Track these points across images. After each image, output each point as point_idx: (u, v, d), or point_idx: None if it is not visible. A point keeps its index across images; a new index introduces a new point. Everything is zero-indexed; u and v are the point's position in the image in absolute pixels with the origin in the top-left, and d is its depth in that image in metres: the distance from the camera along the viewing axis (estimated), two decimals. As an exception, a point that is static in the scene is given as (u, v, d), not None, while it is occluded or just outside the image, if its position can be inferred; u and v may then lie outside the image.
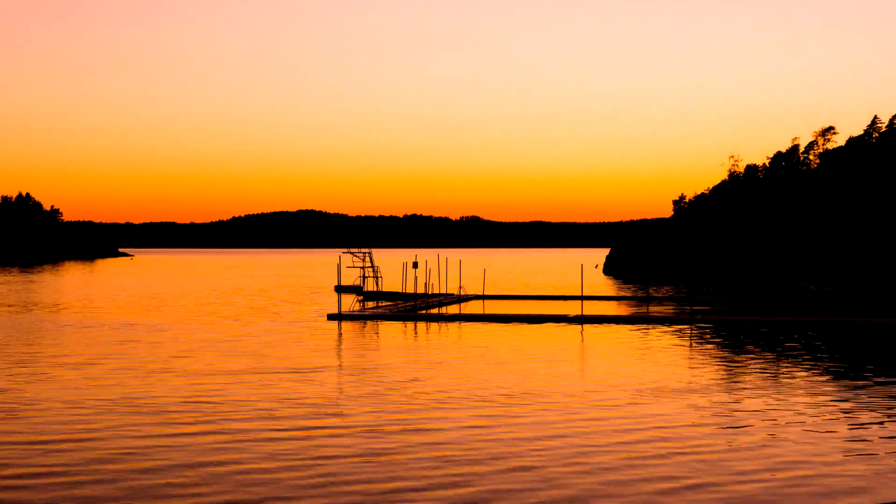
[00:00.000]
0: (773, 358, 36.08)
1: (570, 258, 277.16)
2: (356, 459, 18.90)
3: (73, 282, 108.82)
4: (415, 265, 79.69)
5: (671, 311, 62.17)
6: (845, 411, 24.34)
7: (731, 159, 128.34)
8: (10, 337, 44.57)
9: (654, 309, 64.20)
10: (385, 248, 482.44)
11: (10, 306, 62.81)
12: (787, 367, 33.43)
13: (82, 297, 75.59)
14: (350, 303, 70.41)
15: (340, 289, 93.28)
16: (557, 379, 30.35)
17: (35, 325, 50.94)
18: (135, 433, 21.48)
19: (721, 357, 36.60)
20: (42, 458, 18.92)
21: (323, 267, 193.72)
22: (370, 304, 69.89)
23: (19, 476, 17.53)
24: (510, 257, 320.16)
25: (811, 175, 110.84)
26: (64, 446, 20.06)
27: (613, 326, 49.99)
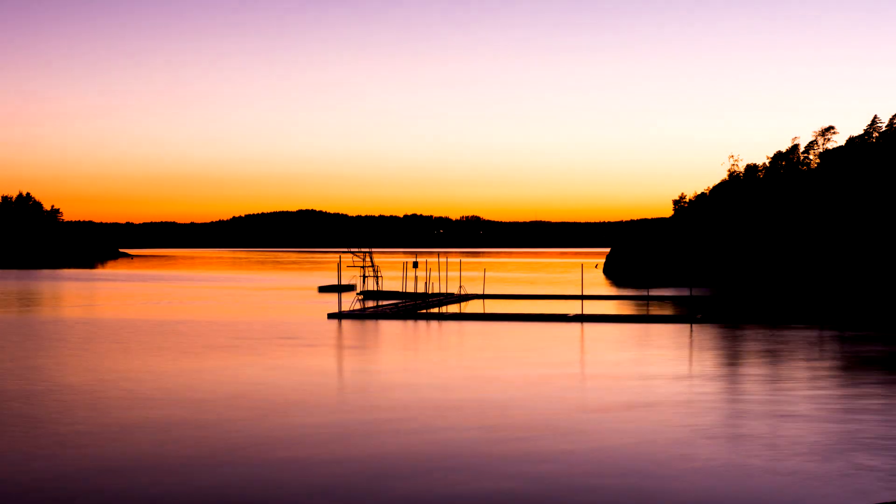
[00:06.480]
0: (772, 357, 36.10)
1: (570, 258, 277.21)
2: (354, 458, 18.94)
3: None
4: (415, 265, 79.85)
5: (672, 311, 62.22)
6: (844, 409, 24.39)
7: (731, 159, 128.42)
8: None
9: (655, 310, 64.21)
10: (385, 248, 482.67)
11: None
12: (786, 366, 33.47)
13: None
14: (350, 302, 70.42)
15: (324, 289, 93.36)
16: (554, 379, 30.37)
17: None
18: (136, 424, 21.56)
19: (721, 356, 36.63)
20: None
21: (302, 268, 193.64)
22: (370, 304, 69.90)
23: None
24: (510, 257, 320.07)
25: (811, 175, 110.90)
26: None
27: (613, 325, 50.04)
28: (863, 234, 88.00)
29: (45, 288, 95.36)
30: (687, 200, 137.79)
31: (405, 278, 77.28)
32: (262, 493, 16.17)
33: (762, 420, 22.76)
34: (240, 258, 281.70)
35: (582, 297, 74.59)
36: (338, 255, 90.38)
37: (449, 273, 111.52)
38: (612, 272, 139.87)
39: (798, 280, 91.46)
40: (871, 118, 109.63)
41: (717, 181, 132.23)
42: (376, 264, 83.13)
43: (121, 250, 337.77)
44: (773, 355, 36.48)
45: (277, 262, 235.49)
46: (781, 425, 22.09)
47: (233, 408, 24.59)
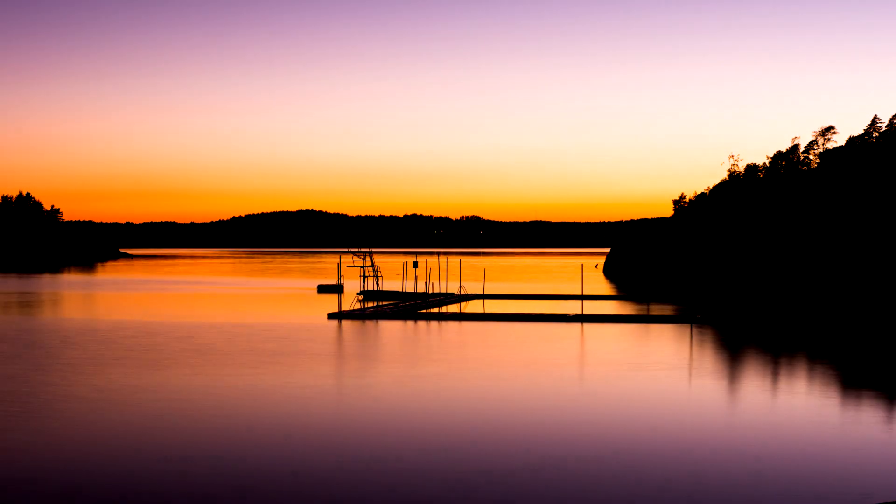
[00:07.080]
0: (771, 356, 36.10)
1: (571, 258, 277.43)
2: (353, 457, 18.95)
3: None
4: (415, 265, 79.93)
5: (671, 310, 62.23)
6: (842, 409, 24.39)
7: (731, 159, 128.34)
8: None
9: (655, 309, 64.22)
10: (385, 248, 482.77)
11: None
12: (785, 365, 33.47)
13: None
14: (351, 302, 70.44)
15: (323, 288, 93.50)
16: (553, 379, 30.37)
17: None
18: (139, 417, 21.59)
19: (720, 355, 36.61)
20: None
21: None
22: (370, 304, 69.91)
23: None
24: (510, 257, 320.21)
25: (811, 175, 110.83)
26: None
27: (613, 325, 50.04)
28: (863, 234, 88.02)
29: (47, 292, 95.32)
30: (687, 200, 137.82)
31: (405, 278, 77.33)
32: (259, 493, 16.17)
33: (759, 422, 22.76)
34: (239, 258, 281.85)
35: (582, 298, 74.61)
36: (338, 256, 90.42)
37: (449, 273, 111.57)
38: (613, 272, 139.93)
39: (797, 280, 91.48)
40: (871, 118, 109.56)
41: (717, 181, 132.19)
42: (376, 264, 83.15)
43: (121, 250, 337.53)
44: (771, 360, 36.47)
45: (277, 262, 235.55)
46: (780, 423, 22.09)
47: (231, 408, 24.60)
